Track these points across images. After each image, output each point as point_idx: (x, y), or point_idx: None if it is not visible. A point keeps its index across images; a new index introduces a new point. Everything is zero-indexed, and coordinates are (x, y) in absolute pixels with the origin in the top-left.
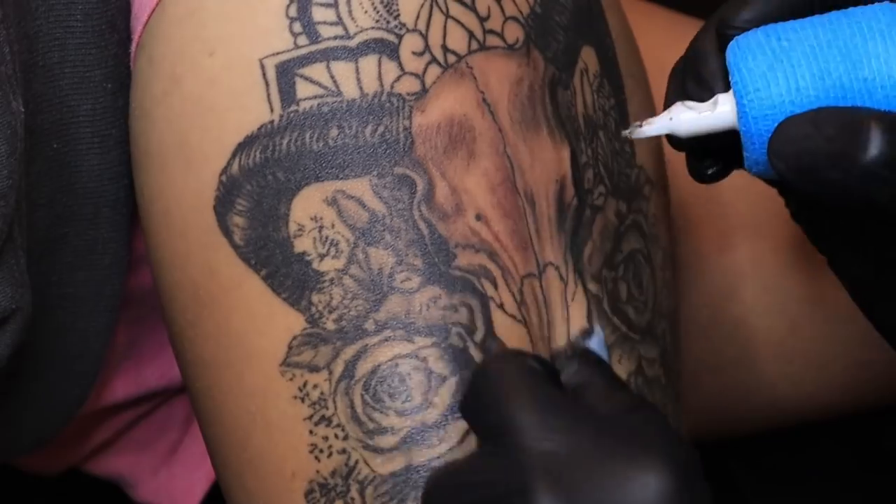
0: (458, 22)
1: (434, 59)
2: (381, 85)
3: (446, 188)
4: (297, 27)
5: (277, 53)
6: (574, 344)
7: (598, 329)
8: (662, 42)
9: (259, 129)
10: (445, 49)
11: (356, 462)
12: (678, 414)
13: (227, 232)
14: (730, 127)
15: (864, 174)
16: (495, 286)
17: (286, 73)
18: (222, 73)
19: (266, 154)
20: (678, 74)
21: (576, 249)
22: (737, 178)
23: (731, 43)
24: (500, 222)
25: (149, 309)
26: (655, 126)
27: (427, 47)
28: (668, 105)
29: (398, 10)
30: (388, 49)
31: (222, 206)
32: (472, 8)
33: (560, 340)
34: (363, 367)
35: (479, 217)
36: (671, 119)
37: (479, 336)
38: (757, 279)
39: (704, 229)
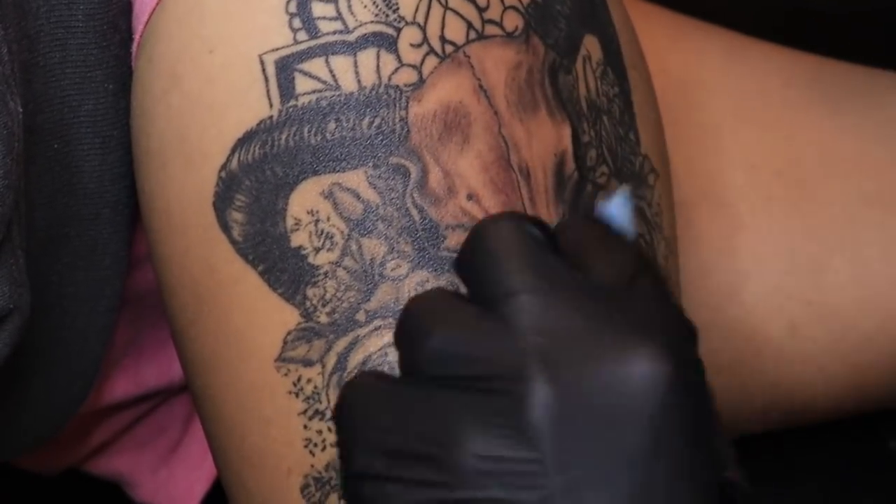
0: (457, 13)
1: (432, 50)
2: (379, 77)
3: (439, 173)
4: (297, 23)
5: (277, 49)
6: (584, 206)
7: (621, 189)
8: (662, 42)
9: (258, 124)
10: (443, 40)
11: None
12: None
13: (226, 228)
14: None
15: None
16: None
17: (285, 69)
18: (222, 70)
19: (265, 149)
20: None
21: None
22: (737, 178)
23: None
24: (491, 198)
25: (148, 308)
26: None
27: (425, 39)
28: None
29: (397, 3)
30: (387, 42)
31: (222, 202)
32: None
33: None
34: (354, 359)
35: (470, 197)
36: None
37: None
38: (757, 279)
39: (704, 229)
